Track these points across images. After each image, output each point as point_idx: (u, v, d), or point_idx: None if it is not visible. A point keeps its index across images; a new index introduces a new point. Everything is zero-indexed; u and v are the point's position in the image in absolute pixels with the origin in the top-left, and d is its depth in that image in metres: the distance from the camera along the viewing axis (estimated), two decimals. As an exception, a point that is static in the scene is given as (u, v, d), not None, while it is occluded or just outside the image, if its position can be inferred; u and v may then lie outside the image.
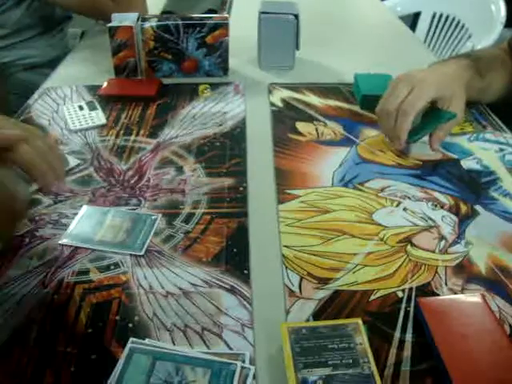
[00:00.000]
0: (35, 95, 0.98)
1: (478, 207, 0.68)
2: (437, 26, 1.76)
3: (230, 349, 0.49)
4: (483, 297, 0.53)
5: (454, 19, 1.70)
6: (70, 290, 0.55)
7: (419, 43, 1.43)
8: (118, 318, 0.52)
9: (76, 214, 0.66)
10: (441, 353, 0.47)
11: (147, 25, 0.98)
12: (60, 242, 0.62)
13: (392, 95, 0.76)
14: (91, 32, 1.40)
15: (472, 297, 0.54)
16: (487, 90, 0.86)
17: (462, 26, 1.66)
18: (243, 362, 0.47)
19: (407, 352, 0.49)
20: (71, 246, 0.61)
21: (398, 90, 0.75)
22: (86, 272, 0.58)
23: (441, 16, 1.75)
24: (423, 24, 1.79)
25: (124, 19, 0.99)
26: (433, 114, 0.78)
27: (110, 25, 0.98)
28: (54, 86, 1.01)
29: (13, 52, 1.37)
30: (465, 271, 0.58)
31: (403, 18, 1.56)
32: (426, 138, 0.78)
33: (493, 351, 0.47)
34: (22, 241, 0.62)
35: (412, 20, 1.87)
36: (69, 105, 0.93)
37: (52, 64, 1.26)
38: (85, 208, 0.67)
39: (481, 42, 1.50)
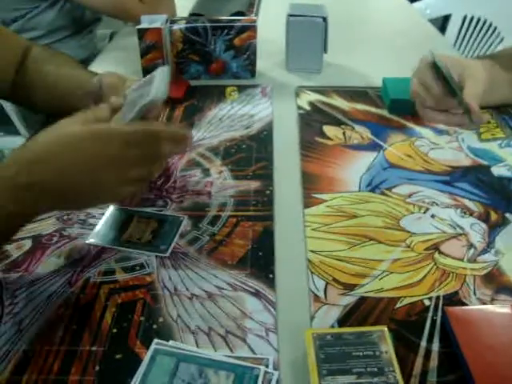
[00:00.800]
0: (65, 96, 1.00)
1: (508, 215, 0.67)
2: (467, 29, 1.73)
3: (254, 353, 0.49)
4: (513, 308, 0.52)
5: (485, 22, 1.67)
6: (96, 290, 0.56)
7: (449, 46, 1.41)
8: (142, 318, 0.52)
9: (103, 214, 0.67)
10: (468, 364, 0.46)
11: (176, 27, 0.99)
12: (87, 241, 0.62)
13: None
14: (120, 34, 1.42)
15: (501, 307, 0.53)
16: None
17: (494, 29, 1.63)
18: (267, 366, 0.47)
19: (434, 362, 0.48)
20: (98, 245, 0.62)
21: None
22: (112, 272, 0.58)
23: (472, 19, 1.72)
24: (453, 27, 1.76)
25: (153, 21, 1.00)
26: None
27: (138, 27, 0.99)
28: (84, 87, 1.03)
29: (44, 53, 1.40)
30: (494, 281, 0.57)
31: (433, 21, 1.53)
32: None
33: (523, 364, 0.46)
34: (50, 239, 0.63)
35: (442, 23, 1.84)
36: (98, 105, 0.94)
37: (84, 68, 1.28)
38: (111, 208, 0.68)
39: (513, 46, 1.47)
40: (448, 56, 0.78)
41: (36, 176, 0.49)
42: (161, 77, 0.59)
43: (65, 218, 0.66)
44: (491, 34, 1.64)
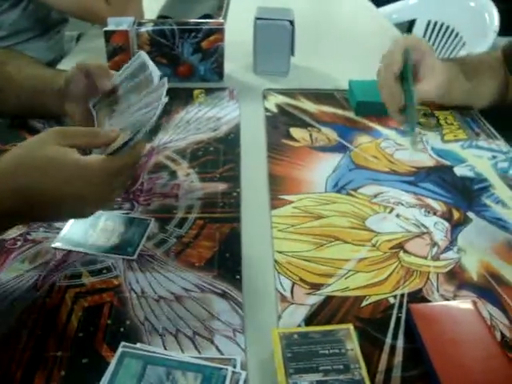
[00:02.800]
0: (30, 98, 0.98)
1: (470, 214, 0.69)
2: (431, 34, 1.77)
3: (221, 354, 0.49)
4: (475, 303, 0.53)
5: (448, 27, 1.71)
6: (62, 294, 0.55)
7: (414, 50, 1.43)
8: (109, 321, 0.52)
9: (69, 217, 0.66)
10: (432, 359, 0.47)
11: (143, 29, 0.98)
12: (53, 245, 0.61)
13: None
14: (87, 35, 1.40)
15: (463, 303, 0.54)
16: (475, 94, 0.87)
17: (457, 34, 1.67)
18: (234, 366, 0.47)
19: (398, 358, 0.49)
20: (64, 249, 0.61)
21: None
22: (79, 276, 0.57)
23: (435, 24, 1.76)
24: (418, 31, 1.80)
25: (120, 23, 0.99)
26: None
27: (105, 29, 0.98)
28: (49, 89, 1.01)
29: (8, 55, 1.37)
30: (456, 278, 0.59)
31: (398, 26, 1.56)
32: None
33: (483, 358, 0.48)
34: (14, 244, 0.62)
35: (407, 27, 1.88)
36: (63, 108, 0.93)
37: (48, 66, 1.26)
38: (78, 212, 0.67)
39: (475, 50, 1.51)
40: (420, 40, 0.80)
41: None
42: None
43: (29, 221, 0.65)
44: (454, 39, 1.68)
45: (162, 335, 0.51)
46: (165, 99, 0.54)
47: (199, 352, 0.49)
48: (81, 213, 0.54)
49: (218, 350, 0.49)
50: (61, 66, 1.16)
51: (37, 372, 0.47)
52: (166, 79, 0.58)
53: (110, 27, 0.99)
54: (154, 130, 0.86)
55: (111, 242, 0.62)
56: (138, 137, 0.52)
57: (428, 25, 1.78)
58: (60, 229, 0.64)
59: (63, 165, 0.49)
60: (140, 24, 0.99)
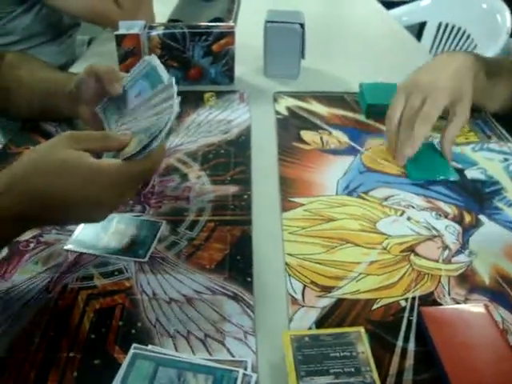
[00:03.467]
0: (42, 102, 0.99)
1: (481, 217, 0.68)
2: (442, 36, 1.77)
3: (233, 356, 0.49)
4: (486, 307, 0.53)
5: (459, 29, 1.71)
6: (74, 296, 0.56)
7: (425, 53, 1.43)
8: (121, 323, 0.52)
9: (81, 219, 0.66)
10: (443, 363, 0.47)
11: (154, 33, 0.99)
12: (65, 247, 0.62)
13: (405, 107, 0.76)
14: (99, 39, 1.41)
15: (475, 307, 0.54)
16: (491, 95, 0.85)
17: (468, 36, 1.66)
18: (245, 369, 0.47)
19: (409, 361, 0.49)
20: (76, 251, 0.62)
21: (413, 99, 0.75)
22: (90, 278, 0.58)
23: (446, 26, 1.75)
24: (429, 34, 1.80)
25: (131, 27, 1.00)
26: (437, 163, 0.79)
27: (116, 32, 0.99)
28: (61, 93, 1.02)
29: (21, 59, 1.39)
30: (468, 281, 0.58)
31: (409, 28, 1.56)
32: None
33: (495, 362, 0.47)
34: (26, 246, 0.62)
35: (418, 30, 1.88)
36: (75, 111, 0.94)
37: (60, 70, 1.27)
38: (90, 214, 0.67)
39: (486, 52, 1.51)
40: (452, 71, 0.78)
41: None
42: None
43: (42, 224, 0.66)
44: (465, 41, 1.68)
45: (173, 337, 0.51)
46: (177, 100, 0.54)
47: (210, 354, 0.49)
48: (94, 216, 0.53)
49: (229, 353, 0.49)
50: (72, 70, 1.17)
51: (50, 372, 0.47)
52: (173, 79, 0.57)
53: (122, 31, 0.99)
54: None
55: (123, 245, 0.62)
56: (156, 143, 0.51)
57: (439, 27, 1.77)
58: (72, 231, 0.64)
59: (77, 168, 0.49)
60: (151, 27, 1.00)
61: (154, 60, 0.62)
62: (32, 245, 0.63)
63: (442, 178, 0.75)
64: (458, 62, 0.79)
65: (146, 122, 0.56)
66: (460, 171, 0.77)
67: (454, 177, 0.76)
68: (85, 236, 0.64)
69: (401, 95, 0.78)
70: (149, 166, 0.53)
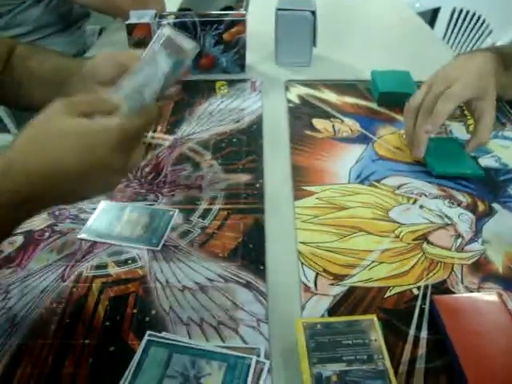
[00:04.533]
0: (55, 92, 0.99)
1: (495, 205, 0.68)
2: (456, 22, 1.74)
3: (246, 343, 0.50)
4: (500, 295, 0.53)
5: (474, 15, 1.68)
6: (89, 284, 0.56)
7: (438, 40, 1.41)
8: (135, 311, 0.53)
9: (94, 209, 0.67)
10: (456, 351, 0.47)
11: (164, 22, 0.99)
12: (79, 236, 0.63)
13: (427, 92, 0.75)
14: (109, 29, 1.41)
15: (488, 295, 0.54)
16: (510, 86, 0.85)
17: (483, 22, 1.64)
18: (258, 356, 0.48)
19: (422, 349, 0.49)
20: (90, 240, 0.62)
21: (436, 87, 0.74)
22: (104, 266, 0.59)
23: (460, 11, 1.73)
24: (442, 20, 1.77)
25: (142, 16, 1.00)
26: (464, 161, 0.75)
27: (127, 22, 0.99)
28: (74, 83, 1.03)
29: (33, 49, 1.39)
30: (481, 269, 0.58)
31: (422, 14, 1.54)
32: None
33: (508, 350, 0.47)
34: (42, 235, 0.63)
35: (431, 16, 1.85)
36: (88, 101, 0.94)
37: (72, 57, 1.27)
38: (103, 203, 0.68)
39: (501, 38, 1.49)
40: (476, 70, 0.75)
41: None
42: (174, 34, 0.56)
43: (56, 213, 0.67)
44: (480, 27, 1.65)
45: (186, 324, 0.51)
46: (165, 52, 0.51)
47: (223, 341, 0.50)
48: (107, 184, 0.50)
49: (243, 340, 0.50)
50: (84, 60, 1.17)
51: (66, 359, 0.48)
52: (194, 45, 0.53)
53: (132, 20, 0.99)
54: (178, 122, 0.87)
55: (136, 233, 0.63)
56: (142, 99, 0.49)
57: (453, 13, 1.75)
58: (86, 220, 0.65)
59: (79, 134, 0.46)
60: (162, 17, 1.00)
61: (170, 31, 0.57)
62: (47, 234, 0.63)
63: (469, 173, 0.73)
64: (478, 63, 0.77)
65: (137, 81, 0.54)
66: (474, 159, 0.77)
67: (481, 174, 0.73)
68: (98, 225, 0.64)
69: (424, 87, 0.76)
70: (146, 120, 0.50)
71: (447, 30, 1.76)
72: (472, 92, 0.73)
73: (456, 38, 1.74)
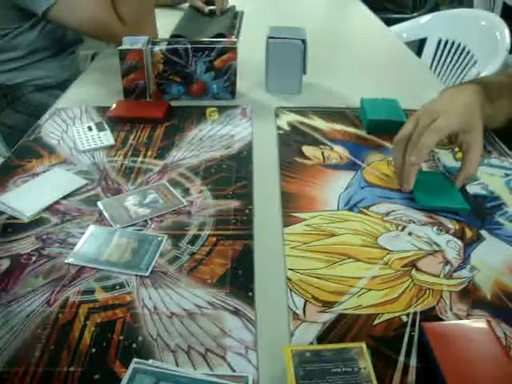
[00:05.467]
0: (46, 115, 1.00)
1: (483, 232, 0.69)
2: (442, 52, 1.78)
3: (234, 371, 0.49)
4: (489, 323, 0.53)
5: (459, 45, 1.72)
6: (75, 309, 0.56)
7: (425, 69, 1.44)
8: (122, 337, 0.52)
9: (83, 233, 0.67)
10: (446, 378, 0.47)
11: (157, 48, 1.00)
12: (66, 261, 0.62)
13: (415, 126, 0.75)
14: (102, 54, 1.43)
15: (477, 322, 0.54)
16: (494, 117, 0.86)
17: (468, 52, 1.68)
18: (246, 384, 0.47)
19: (411, 377, 0.49)
20: (77, 265, 0.62)
21: (422, 121, 0.75)
22: (92, 291, 0.58)
23: (446, 42, 1.77)
24: (429, 50, 1.81)
25: (134, 42, 1.01)
26: (449, 192, 0.75)
27: (120, 48, 1.00)
28: (65, 107, 1.03)
29: (25, 73, 1.40)
30: (470, 296, 0.58)
31: (409, 44, 1.57)
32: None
33: (498, 378, 0.47)
34: (28, 259, 0.63)
35: (418, 45, 1.89)
36: (78, 125, 0.94)
37: (63, 85, 1.28)
38: (91, 228, 0.68)
39: (486, 68, 1.52)
40: (462, 104, 0.77)
41: None
42: None
43: (44, 237, 0.66)
44: (465, 57, 1.69)
45: (174, 352, 0.51)
46: None
47: (211, 369, 0.49)
48: None
49: (230, 367, 0.49)
50: (75, 84, 1.18)
51: (50, 387, 0.47)
52: None
53: (125, 46, 1.00)
54: (168, 148, 0.87)
55: (124, 259, 0.62)
56: None
57: (439, 43, 1.78)
58: (74, 244, 0.65)
59: None
60: (154, 43, 1.01)
61: None
62: (34, 258, 0.63)
63: (455, 208, 0.72)
64: (465, 96, 0.79)
65: None
66: (462, 186, 0.77)
67: (467, 208, 0.72)
68: (86, 249, 0.64)
69: (411, 120, 0.77)
70: None
71: (433, 59, 1.80)
72: (458, 125, 0.74)
73: (442, 67, 1.78)
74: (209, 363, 0.50)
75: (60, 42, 1.45)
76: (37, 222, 0.69)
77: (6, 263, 0.62)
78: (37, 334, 0.52)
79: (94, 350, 0.51)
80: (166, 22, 1.44)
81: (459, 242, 0.67)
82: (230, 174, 0.80)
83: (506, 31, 1.56)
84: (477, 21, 1.68)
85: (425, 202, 0.73)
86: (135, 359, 0.49)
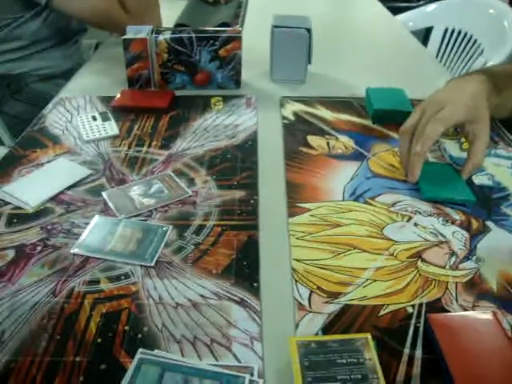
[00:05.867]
0: (50, 105, 1.00)
1: (489, 223, 0.68)
2: (449, 41, 1.76)
3: (239, 361, 0.49)
4: (495, 314, 0.52)
5: (466, 34, 1.70)
6: (81, 300, 0.56)
7: (431, 58, 1.43)
8: (127, 328, 0.52)
9: (87, 223, 0.67)
10: (451, 370, 0.46)
11: (161, 37, 0.99)
12: (72, 251, 0.62)
13: (421, 116, 0.75)
14: (106, 44, 1.42)
15: (483, 314, 0.53)
16: (501, 107, 0.85)
17: (475, 42, 1.66)
18: (252, 374, 0.47)
19: (417, 369, 0.49)
20: (82, 255, 0.62)
21: (428, 111, 0.74)
22: (97, 282, 0.58)
23: (453, 31, 1.75)
24: (435, 39, 1.79)
25: (138, 32, 1.00)
26: (455, 183, 0.75)
27: (124, 37, 0.99)
28: (69, 97, 1.03)
29: (29, 63, 1.40)
30: (476, 288, 0.58)
31: (415, 33, 1.56)
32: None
33: (504, 369, 0.47)
34: (33, 249, 0.63)
35: (424, 35, 1.87)
36: (82, 115, 0.94)
37: (67, 75, 1.28)
38: (96, 218, 0.68)
39: (493, 58, 1.50)
40: (469, 94, 0.76)
41: None
42: None
43: (49, 227, 0.66)
44: (472, 46, 1.67)
45: (179, 342, 0.51)
46: None
47: (216, 359, 0.49)
48: None
49: (236, 358, 0.49)
50: (79, 74, 1.18)
51: (56, 377, 0.47)
52: None
53: (129, 35, 1.00)
54: (173, 137, 0.87)
55: (129, 249, 0.62)
56: None
57: (445, 32, 1.77)
58: (79, 235, 0.65)
59: None
60: (158, 32, 1.00)
61: None
62: (39, 248, 0.63)
63: (461, 199, 0.72)
64: (471, 86, 0.78)
65: None
66: (468, 184, 0.77)
67: (473, 200, 0.72)
68: (91, 240, 0.64)
69: (417, 111, 0.77)
70: None
71: (440, 48, 1.78)
72: (464, 115, 0.74)
73: (449, 56, 1.76)
74: (214, 354, 0.50)
75: (63, 32, 1.45)
76: (41, 212, 0.69)
77: (11, 254, 0.62)
78: (43, 324, 0.53)
79: (99, 341, 0.51)
80: (170, 11, 1.43)
81: (465, 233, 0.66)
82: (235, 164, 0.80)
83: (514, 20, 1.54)
84: (485, 9, 1.66)
85: (430, 193, 0.72)
86: (141, 349, 0.49)
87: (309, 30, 1.03)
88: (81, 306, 0.55)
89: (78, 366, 0.48)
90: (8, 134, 1.46)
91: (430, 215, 0.69)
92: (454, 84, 0.81)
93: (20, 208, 0.70)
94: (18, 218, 0.68)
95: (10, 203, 0.70)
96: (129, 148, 0.84)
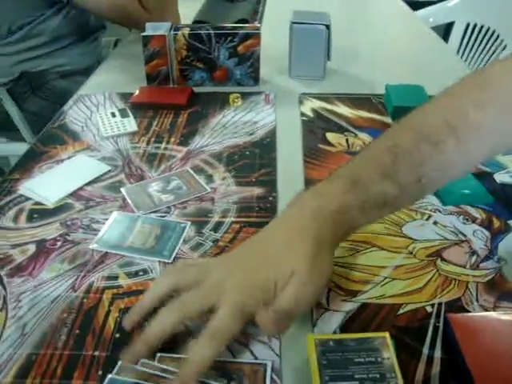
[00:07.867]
0: (70, 102, 1.01)
1: (511, 222, 0.67)
2: (470, 37, 1.74)
3: (256, 358, 0.49)
4: (516, 315, 0.52)
5: (488, 29, 1.68)
6: (99, 295, 0.56)
7: (452, 54, 1.41)
8: (145, 323, 0.52)
9: (106, 219, 0.67)
10: (471, 371, 0.46)
11: (180, 34, 1.00)
12: (90, 246, 0.63)
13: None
14: (125, 41, 1.43)
15: (505, 315, 0.52)
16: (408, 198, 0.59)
17: (497, 37, 1.63)
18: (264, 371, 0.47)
19: (436, 369, 0.48)
20: (101, 251, 0.62)
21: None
22: (115, 277, 0.58)
23: (475, 26, 1.72)
24: (456, 34, 1.77)
25: (157, 28, 1.01)
26: (472, 186, 0.72)
27: (143, 34, 1.00)
28: (88, 94, 1.04)
29: (49, 60, 1.41)
30: (497, 288, 0.57)
31: (435, 29, 1.54)
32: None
33: (525, 371, 0.46)
34: (53, 244, 0.63)
35: (445, 30, 1.85)
36: (102, 112, 0.95)
37: (86, 72, 1.29)
38: (115, 214, 0.68)
39: (516, 53, 1.48)
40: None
41: None
42: None
43: (68, 223, 0.67)
44: (494, 41, 1.65)
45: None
46: None
47: (234, 356, 0.49)
48: None
49: (253, 355, 0.49)
50: (99, 71, 1.19)
51: (76, 370, 0.48)
52: None
53: (148, 32, 1.00)
54: (192, 134, 0.87)
55: (148, 245, 0.63)
56: None
57: (467, 27, 1.74)
58: (98, 230, 0.65)
59: None
60: (177, 29, 1.01)
61: None
62: (59, 243, 0.63)
63: (480, 203, 0.70)
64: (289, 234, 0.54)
65: None
66: (489, 175, 0.76)
67: (491, 201, 0.70)
68: (110, 235, 0.64)
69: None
70: None
71: (461, 44, 1.76)
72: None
73: (470, 51, 1.74)
74: (232, 350, 0.50)
75: (83, 29, 1.46)
76: (61, 207, 0.70)
77: (31, 248, 0.63)
78: (62, 319, 0.53)
79: (117, 335, 0.51)
80: (189, 8, 1.43)
81: (486, 232, 0.65)
82: (254, 161, 0.80)
83: (538, 14, 1.51)
84: (508, 3, 1.64)
85: (450, 201, 0.71)
86: (159, 354, 0.49)
87: (328, 27, 1.03)
88: (99, 301, 0.55)
89: (97, 360, 0.49)
90: (29, 130, 1.48)
91: (450, 213, 0.68)
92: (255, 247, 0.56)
93: (40, 203, 0.71)
94: (39, 213, 0.69)
95: (30, 198, 0.71)
96: (147, 144, 0.85)
